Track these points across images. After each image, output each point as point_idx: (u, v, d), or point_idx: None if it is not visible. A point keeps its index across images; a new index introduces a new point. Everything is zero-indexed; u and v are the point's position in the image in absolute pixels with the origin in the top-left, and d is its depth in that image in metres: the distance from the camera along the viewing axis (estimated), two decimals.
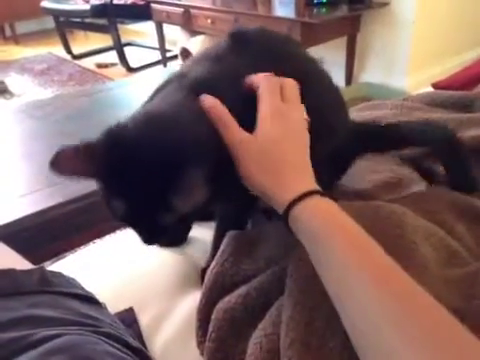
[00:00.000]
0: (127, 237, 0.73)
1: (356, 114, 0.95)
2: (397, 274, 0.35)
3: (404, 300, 0.33)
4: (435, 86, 1.07)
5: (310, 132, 0.50)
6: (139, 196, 0.41)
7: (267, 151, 0.45)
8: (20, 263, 0.47)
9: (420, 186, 0.70)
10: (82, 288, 0.47)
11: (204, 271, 0.59)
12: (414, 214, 0.53)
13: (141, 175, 0.40)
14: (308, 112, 0.51)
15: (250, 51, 0.52)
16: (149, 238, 0.46)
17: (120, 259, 0.66)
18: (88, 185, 1.11)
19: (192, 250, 0.66)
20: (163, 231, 0.45)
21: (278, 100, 0.47)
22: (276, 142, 0.45)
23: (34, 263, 0.95)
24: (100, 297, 0.52)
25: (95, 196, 1.07)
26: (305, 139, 0.48)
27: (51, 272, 0.45)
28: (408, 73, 2.52)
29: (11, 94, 3.04)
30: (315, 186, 0.43)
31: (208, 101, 0.45)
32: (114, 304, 0.55)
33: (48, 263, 1.10)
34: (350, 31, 2.54)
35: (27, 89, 3.15)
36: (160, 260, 0.64)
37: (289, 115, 0.47)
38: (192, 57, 0.55)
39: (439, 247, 0.50)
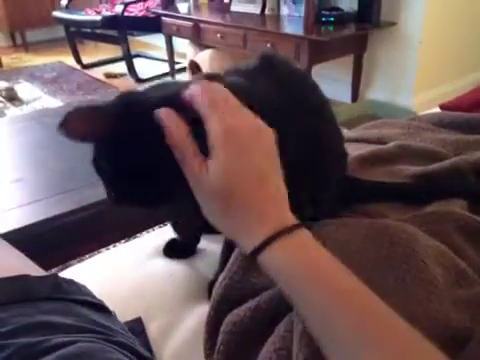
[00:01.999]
0: (136, 247, 0.74)
1: (364, 131, 0.96)
2: (381, 316, 0.35)
3: (387, 343, 0.33)
4: (442, 107, 1.08)
5: (309, 160, 0.51)
6: (141, 163, 0.41)
7: (223, 188, 0.37)
8: (33, 269, 0.48)
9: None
10: (93, 296, 0.47)
11: (212, 284, 0.59)
12: (423, 234, 0.54)
13: (147, 141, 0.40)
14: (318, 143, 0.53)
15: (276, 74, 0.54)
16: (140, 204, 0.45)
17: (129, 269, 0.66)
18: (96, 193, 1.12)
19: (200, 262, 0.67)
20: (154, 203, 0.45)
21: (226, 116, 0.38)
22: (233, 174, 0.37)
23: (43, 270, 0.96)
24: (108, 305, 0.53)
25: (104, 204, 1.07)
26: (272, 158, 0.40)
27: (64, 279, 0.46)
28: (415, 92, 2.54)
29: (21, 101, 3.07)
30: (284, 220, 0.37)
31: (165, 116, 0.38)
32: (122, 313, 0.55)
33: (56, 270, 1.10)
34: (357, 49, 2.57)
35: (36, 97, 3.18)
36: (169, 271, 0.65)
37: (244, 133, 0.38)
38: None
39: (448, 267, 0.50)
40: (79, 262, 0.71)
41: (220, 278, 0.54)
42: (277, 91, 0.51)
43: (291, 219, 0.38)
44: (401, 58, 2.52)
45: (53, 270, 1.00)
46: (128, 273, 0.64)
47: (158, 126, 0.39)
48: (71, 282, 0.46)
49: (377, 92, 2.68)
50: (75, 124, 0.39)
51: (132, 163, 0.41)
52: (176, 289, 0.63)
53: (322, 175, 0.56)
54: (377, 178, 0.74)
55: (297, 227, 0.38)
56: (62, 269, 0.73)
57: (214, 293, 0.54)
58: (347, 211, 0.66)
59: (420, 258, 0.50)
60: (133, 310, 0.58)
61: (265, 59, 0.55)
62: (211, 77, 0.49)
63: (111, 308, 0.52)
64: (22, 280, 0.42)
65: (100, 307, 0.46)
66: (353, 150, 0.81)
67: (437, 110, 1.13)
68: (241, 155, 0.37)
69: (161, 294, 0.61)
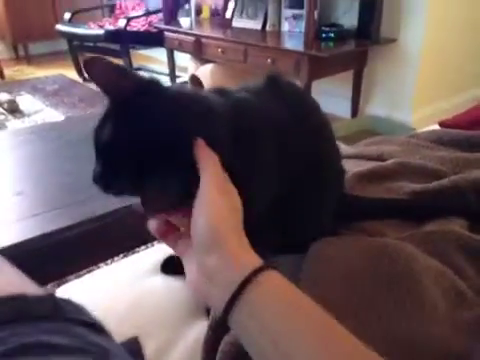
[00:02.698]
0: (133, 263, 0.73)
1: (363, 148, 0.96)
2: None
3: None
4: (442, 124, 1.08)
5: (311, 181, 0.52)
6: (140, 145, 0.42)
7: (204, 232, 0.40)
8: (31, 287, 0.47)
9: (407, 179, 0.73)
10: (90, 316, 0.47)
11: None
12: (422, 254, 0.54)
13: (153, 125, 0.41)
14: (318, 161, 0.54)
15: (281, 94, 0.55)
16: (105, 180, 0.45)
17: (126, 285, 0.66)
18: (95, 208, 1.11)
19: None
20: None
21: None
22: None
23: (41, 285, 0.95)
24: (106, 323, 0.52)
25: (101, 220, 1.07)
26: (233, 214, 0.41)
27: (61, 299, 0.45)
28: (414, 108, 2.55)
29: (22, 113, 3.08)
30: (244, 268, 0.37)
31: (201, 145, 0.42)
32: (119, 330, 0.54)
33: (52, 285, 1.09)
34: (357, 65, 2.60)
35: (38, 109, 3.20)
36: (166, 289, 0.65)
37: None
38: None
39: (448, 288, 0.50)
40: (76, 278, 0.70)
41: None
42: (281, 109, 0.53)
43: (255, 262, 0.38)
44: (400, 74, 2.54)
45: (50, 285, 0.99)
46: (125, 290, 0.64)
47: (167, 117, 0.41)
48: (68, 302, 0.46)
49: (376, 108, 2.70)
50: (100, 69, 0.42)
51: (132, 141, 0.41)
52: (174, 306, 0.62)
53: (321, 192, 0.57)
54: (376, 195, 0.74)
55: (254, 274, 0.37)
56: (59, 284, 0.72)
57: (213, 312, 0.54)
58: (345, 228, 0.65)
59: (420, 279, 0.50)
60: (130, 327, 0.57)
61: (271, 79, 0.56)
62: (219, 91, 0.50)
63: (108, 325, 0.52)
64: (21, 299, 0.42)
65: (97, 327, 0.46)
66: (352, 167, 0.82)
67: (436, 127, 1.13)
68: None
69: (159, 311, 0.61)
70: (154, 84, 0.44)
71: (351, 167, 0.81)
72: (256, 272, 0.37)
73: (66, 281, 0.75)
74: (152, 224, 0.47)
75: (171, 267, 0.69)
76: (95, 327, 0.46)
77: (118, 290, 0.64)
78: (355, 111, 2.72)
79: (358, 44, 2.47)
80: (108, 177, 0.44)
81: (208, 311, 0.60)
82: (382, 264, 0.51)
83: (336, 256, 0.52)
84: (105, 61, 0.42)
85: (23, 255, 0.93)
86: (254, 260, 0.39)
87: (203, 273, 0.40)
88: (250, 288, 0.36)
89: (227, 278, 0.38)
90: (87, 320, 0.45)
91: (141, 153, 0.41)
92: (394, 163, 0.82)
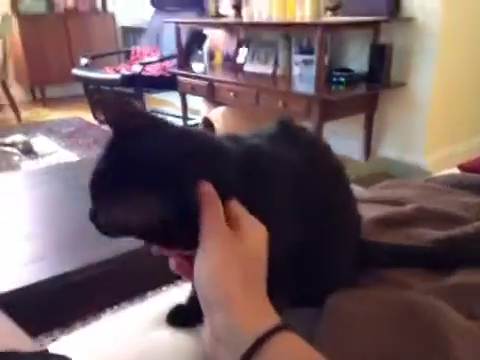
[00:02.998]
0: (137, 313, 0.69)
1: (379, 192, 0.93)
2: None
3: None
4: (461, 168, 1.06)
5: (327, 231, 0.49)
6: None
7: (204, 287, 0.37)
8: (23, 342, 0.44)
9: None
10: None
11: None
12: (449, 308, 0.50)
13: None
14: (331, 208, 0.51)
15: (293, 139, 0.54)
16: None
17: (128, 340, 0.61)
18: (102, 252, 1.08)
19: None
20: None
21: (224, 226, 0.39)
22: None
23: (40, 332, 0.91)
24: None
25: (109, 265, 1.04)
26: (259, 270, 0.39)
27: (56, 356, 0.42)
28: (427, 151, 2.53)
29: (36, 154, 3.13)
30: (261, 328, 0.34)
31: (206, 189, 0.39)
32: None
33: (50, 334, 1.05)
34: (368, 109, 2.61)
35: (52, 150, 3.24)
36: (173, 343, 0.60)
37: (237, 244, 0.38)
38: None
39: (472, 345, 0.46)
40: (75, 330, 0.66)
41: None
42: (295, 154, 0.51)
43: (263, 327, 0.35)
44: (411, 117, 2.54)
45: (53, 333, 0.95)
46: (128, 344, 0.60)
47: (172, 152, 0.40)
48: (62, 358, 0.42)
49: (389, 150, 2.68)
50: (111, 102, 0.42)
51: (131, 174, 0.39)
52: None
53: (338, 239, 0.53)
54: (395, 242, 0.71)
55: (271, 334, 0.34)
56: (61, 332, 0.69)
57: None
58: (364, 277, 0.62)
59: (446, 335, 0.46)
60: None
61: (283, 125, 0.55)
62: (232, 137, 0.49)
63: None
64: (11, 356, 0.39)
65: None
66: (368, 211, 0.78)
67: (453, 170, 1.10)
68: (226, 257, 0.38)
69: None
70: (162, 120, 0.43)
71: (367, 211, 0.77)
72: (268, 334, 0.34)
73: (66, 331, 0.71)
74: (171, 262, 0.44)
75: (178, 318, 0.65)
76: None
77: (120, 345, 0.60)
78: (368, 152, 2.71)
79: (369, 88, 2.49)
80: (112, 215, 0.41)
81: None
82: (408, 320, 0.48)
83: (355, 311, 0.48)
84: (116, 95, 0.42)
85: (26, 300, 0.90)
86: (265, 320, 0.35)
87: (211, 331, 0.36)
88: (261, 351, 0.33)
89: (235, 340, 0.34)
90: None
91: (138, 188, 0.38)
92: (413, 209, 0.79)
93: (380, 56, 2.45)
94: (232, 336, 0.35)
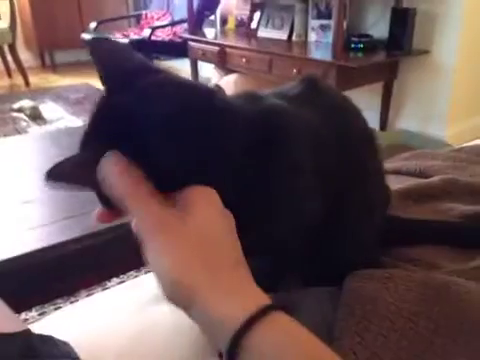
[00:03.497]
0: (136, 288, 0.64)
1: (403, 163, 0.86)
2: None
3: None
4: None
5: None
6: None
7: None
8: (4, 319, 0.39)
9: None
10: (76, 358, 0.38)
11: None
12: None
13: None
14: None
15: (322, 101, 0.47)
16: None
17: (125, 316, 0.56)
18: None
19: None
20: None
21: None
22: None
23: (39, 302, 0.86)
24: None
25: (109, 233, 0.99)
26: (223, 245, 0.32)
27: (40, 337, 0.37)
28: (448, 122, 2.42)
29: (44, 120, 3.08)
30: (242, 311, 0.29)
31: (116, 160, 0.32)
32: None
33: (48, 305, 1.01)
34: (387, 77, 2.49)
35: (60, 116, 3.19)
36: (174, 322, 0.55)
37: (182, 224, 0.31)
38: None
39: None
40: (71, 303, 0.61)
41: None
42: (321, 118, 0.43)
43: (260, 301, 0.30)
44: (433, 87, 2.41)
45: (51, 307, 0.91)
46: (125, 321, 0.55)
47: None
48: (48, 340, 0.37)
49: (407, 121, 2.57)
50: (107, 48, 0.38)
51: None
52: (181, 345, 0.53)
53: (365, 215, 0.47)
54: (421, 217, 0.64)
55: (269, 310, 0.29)
56: (66, 300, 0.64)
57: None
58: (389, 257, 0.55)
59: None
60: None
61: (309, 83, 0.47)
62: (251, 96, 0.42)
63: None
64: None
65: None
66: (393, 183, 0.71)
67: (478, 141, 1.02)
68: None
69: (162, 351, 0.51)
70: (157, 70, 0.36)
71: (391, 184, 0.70)
72: (251, 321, 0.28)
73: (62, 302, 0.66)
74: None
75: None
76: None
77: (116, 321, 0.55)
78: (384, 124, 2.60)
79: (389, 55, 2.36)
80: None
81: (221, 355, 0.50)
82: (441, 305, 0.42)
83: (380, 295, 0.42)
84: (113, 41, 0.37)
85: (24, 269, 0.86)
86: (247, 304, 0.29)
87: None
88: (247, 340, 0.28)
89: (217, 334, 0.29)
90: None
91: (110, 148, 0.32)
92: (441, 180, 0.72)
93: (402, 21, 2.31)
94: (213, 330, 0.29)
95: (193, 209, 0.31)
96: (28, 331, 0.37)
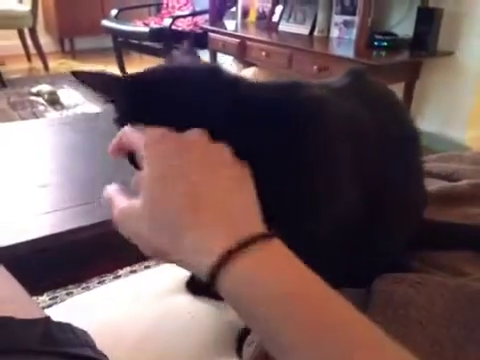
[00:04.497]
0: (153, 277, 0.63)
1: (432, 165, 0.83)
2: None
3: None
4: None
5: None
6: None
7: (151, 216, 0.32)
8: (22, 304, 0.38)
9: None
10: (93, 346, 0.37)
11: (243, 333, 0.48)
12: None
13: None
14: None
15: (369, 95, 0.46)
16: None
17: (142, 305, 0.56)
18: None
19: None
20: None
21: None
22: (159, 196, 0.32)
23: (51, 287, 0.85)
24: (112, 356, 0.42)
25: None
26: (216, 173, 0.33)
27: (58, 325, 0.36)
28: (469, 126, 2.37)
29: (62, 106, 3.09)
30: (239, 235, 0.30)
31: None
32: None
33: (65, 291, 1.01)
34: (409, 77, 2.44)
35: (78, 102, 3.20)
36: (190, 312, 0.54)
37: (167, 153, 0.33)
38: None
39: None
40: (82, 289, 0.61)
41: (257, 338, 0.43)
42: (367, 113, 0.42)
43: (254, 229, 0.31)
44: (456, 90, 2.36)
45: (63, 292, 0.91)
46: (142, 311, 0.54)
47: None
48: (67, 328, 0.36)
49: (427, 123, 2.52)
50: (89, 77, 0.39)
51: None
52: (197, 335, 0.52)
53: (401, 217, 0.45)
54: (450, 221, 0.62)
55: (262, 238, 0.30)
56: (77, 286, 0.63)
57: (246, 353, 0.43)
58: (415, 261, 0.53)
59: None
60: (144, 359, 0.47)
61: (356, 76, 0.46)
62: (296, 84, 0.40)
63: (117, 355, 0.42)
64: (4, 325, 0.32)
65: None
66: None
67: None
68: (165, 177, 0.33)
69: (179, 340, 0.51)
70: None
71: None
72: (239, 247, 0.29)
73: (82, 287, 0.66)
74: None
75: (198, 286, 0.59)
76: None
77: (133, 310, 0.54)
78: None
79: (412, 55, 2.32)
80: None
81: (239, 344, 0.49)
82: (474, 313, 0.40)
83: (411, 300, 0.40)
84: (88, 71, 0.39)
85: (38, 253, 0.85)
86: (237, 231, 0.30)
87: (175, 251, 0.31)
88: (236, 263, 0.28)
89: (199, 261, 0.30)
90: (90, 355, 0.35)
91: None
92: (469, 185, 0.70)
93: (428, 21, 2.26)
94: (196, 256, 0.30)
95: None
96: (48, 318, 0.36)
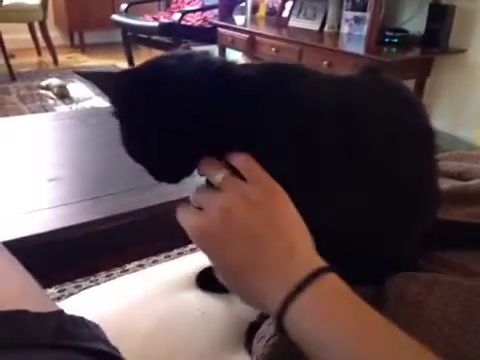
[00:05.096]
0: (164, 272, 0.63)
1: (443, 163, 0.83)
2: None
3: None
4: None
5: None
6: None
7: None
8: (34, 296, 0.38)
9: None
10: (106, 340, 0.37)
11: (253, 328, 0.49)
12: None
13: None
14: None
15: (382, 91, 0.45)
16: None
17: (152, 300, 0.56)
18: (131, 201, 1.02)
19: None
20: None
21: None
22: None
23: (59, 280, 0.86)
24: (125, 344, 0.42)
25: (135, 215, 0.98)
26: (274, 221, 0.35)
27: (71, 318, 0.36)
28: (479, 125, 2.35)
29: (71, 100, 3.10)
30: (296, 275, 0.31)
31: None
32: (140, 358, 0.45)
33: (73, 285, 1.02)
34: (420, 74, 2.42)
35: (87, 96, 3.21)
36: (200, 308, 0.54)
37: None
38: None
39: None
40: (94, 283, 0.61)
41: (266, 333, 0.43)
42: (380, 110, 0.42)
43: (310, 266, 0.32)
44: (468, 88, 2.34)
45: (71, 285, 0.91)
46: (151, 306, 0.54)
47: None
48: (80, 322, 0.36)
49: (437, 121, 2.49)
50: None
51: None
52: (208, 331, 0.52)
53: (415, 216, 0.45)
54: (461, 220, 0.62)
55: (321, 272, 0.32)
56: (86, 279, 0.64)
57: (256, 350, 0.43)
58: (425, 260, 0.53)
59: None
60: (154, 354, 0.47)
61: (370, 73, 0.45)
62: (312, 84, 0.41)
63: (127, 349, 0.42)
64: (18, 318, 0.33)
65: (113, 358, 0.36)
66: None
67: None
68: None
69: (188, 336, 0.51)
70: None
71: None
72: (308, 279, 0.31)
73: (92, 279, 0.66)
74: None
75: (209, 281, 0.59)
76: (110, 358, 0.36)
77: (143, 306, 0.54)
78: None
79: (424, 51, 2.30)
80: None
81: (249, 339, 0.49)
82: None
83: (426, 299, 0.40)
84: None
85: (45, 246, 0.86)
86: (300, 267, 0.32)
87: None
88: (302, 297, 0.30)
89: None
90: (103, 349, 0.35)
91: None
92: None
93: (440, 17, 2.24)
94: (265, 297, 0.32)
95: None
96: (61, 312, 0.36)
